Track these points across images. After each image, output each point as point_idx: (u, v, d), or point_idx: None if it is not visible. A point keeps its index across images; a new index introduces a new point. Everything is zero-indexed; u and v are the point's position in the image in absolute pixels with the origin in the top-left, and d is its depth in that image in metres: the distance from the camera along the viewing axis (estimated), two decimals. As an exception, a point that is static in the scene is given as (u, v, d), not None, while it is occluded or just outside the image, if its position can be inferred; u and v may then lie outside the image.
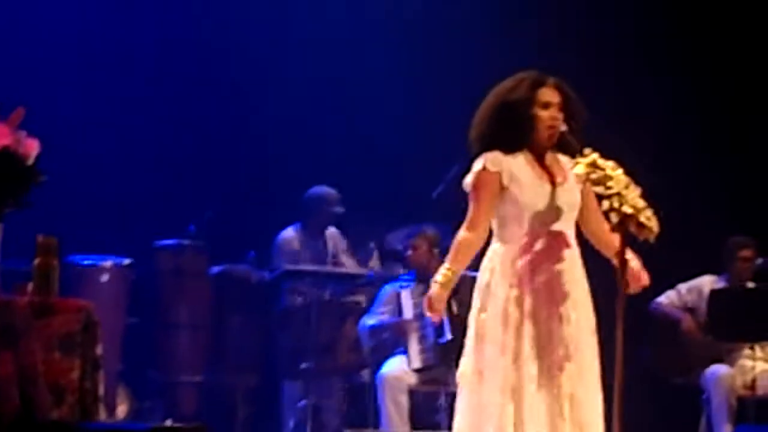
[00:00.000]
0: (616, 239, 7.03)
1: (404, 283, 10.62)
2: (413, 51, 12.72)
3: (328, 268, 11.88)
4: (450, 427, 7.54)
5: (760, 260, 10.57)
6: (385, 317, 10.57)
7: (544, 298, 7.01)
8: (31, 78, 11.91)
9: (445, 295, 6.94)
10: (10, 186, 7.11)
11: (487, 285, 7.03)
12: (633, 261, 7.06)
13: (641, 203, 6.99)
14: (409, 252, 10.61)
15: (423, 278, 10.16)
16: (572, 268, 7.09)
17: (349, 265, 12.10)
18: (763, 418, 10.07)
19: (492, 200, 6.98)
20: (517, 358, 6.93)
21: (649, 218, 6.94)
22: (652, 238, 6.95)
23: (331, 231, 12.15)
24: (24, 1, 12.80)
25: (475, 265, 7.50)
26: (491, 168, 6.96)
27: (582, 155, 7.05)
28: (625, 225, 6.94)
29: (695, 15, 13.13)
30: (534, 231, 6.99)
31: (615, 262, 7.04)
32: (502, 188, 6.98)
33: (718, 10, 13.16)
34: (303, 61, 12.99)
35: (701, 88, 12.82)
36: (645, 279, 7.09)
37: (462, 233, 7.06)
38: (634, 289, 7.05)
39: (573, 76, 7.50)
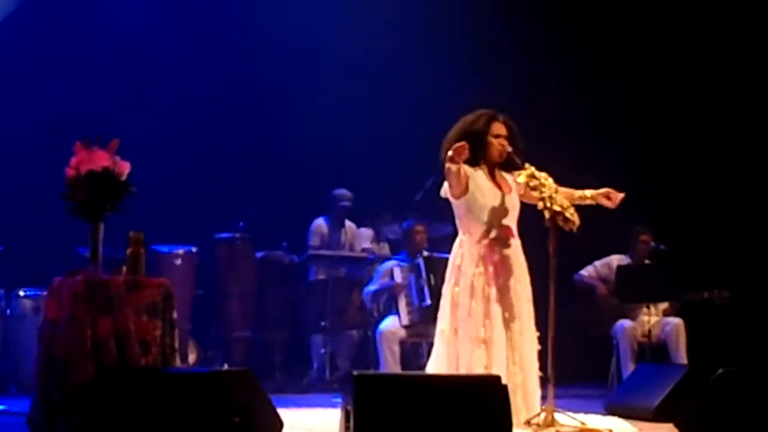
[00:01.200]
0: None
1: (396, 261, 10.67)
2: (405, 89, 12.42)
3: (341, 252, 11.90)
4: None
5: (653, 244, 10.66)
6: (382, 284, 10.61)
7: (498, 273, 7.21)
8: (120, 106, 11.86)
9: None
10: (109, 196, 7.23)
11: (459, 266, 7.29)
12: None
13: (566, 203, 7.18)
14: (413, 237, 10.58)
15: (411, 257, 10.34)
16: (516, 252, 7.34)
17: (368, 249, 12.10)
18: (657, 357, 10.08)
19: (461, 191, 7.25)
20: (485, 317, 7.11)
21: (572, 214, 7.16)
22: (575, 229, 7.13)
23: (349, 224, 12.13)
24: (111, 48, 12.49)
25: (447, 251, 7.68)
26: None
27: (523, 169, 7.25)
28: (555, 219, 7.12)
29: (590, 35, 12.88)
30: (490, 225, 7.21)
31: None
32: (467, 191, 7.15)
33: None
34: (326, 95, 12.57)
35: (617, 108, 12.62)
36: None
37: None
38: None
39: (516, 109, 7.68)
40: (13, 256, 9.96)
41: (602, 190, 7.45)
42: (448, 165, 7.07)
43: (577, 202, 7.34)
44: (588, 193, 7.44)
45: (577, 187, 7.47)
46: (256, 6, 12.83)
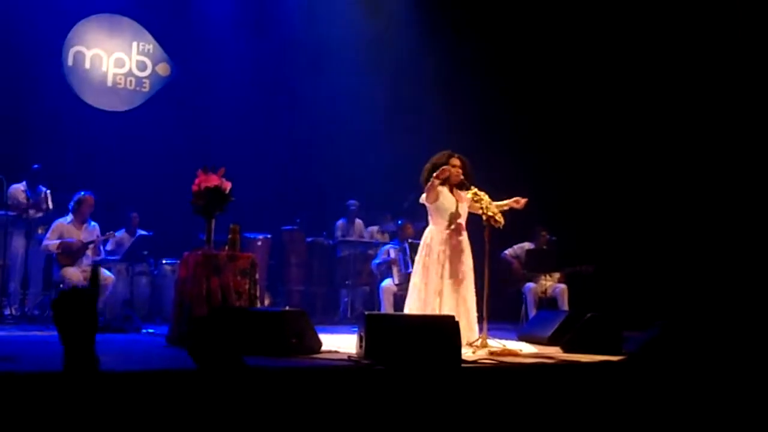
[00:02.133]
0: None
1: (392, 245, 10.70)
2: (401, 136, 12.22)
3: (356, 238, 11.92)
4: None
5: (548, 236, 10.62)
6: (383, 259, 10.65)
7: (453, 252, 7.23)
8: (223, 139, 11.78)
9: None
10: (218, 203, 7.29)
11: (429, 244, 7.29)
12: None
13: (496, 210, 7.19)
14: (403, 230, 10.55)
15: (401, 243, 10.34)
16: (465, 239, 7.34)
17: (375, 237, 11.99)
18: (550, 306, 10.01)
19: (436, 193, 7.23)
20: (441, 278, 7.14)
21: (500, 218, 7.16)
22: (500, 226, 7.15)
23: (357, 221, 12.07)
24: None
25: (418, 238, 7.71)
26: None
27: (470, 189, 7.29)
28: (489, 221, 7.14)
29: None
30: (450, 221, 7.24)
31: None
32: (437, 199, 7.18)
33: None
34: (353, 138, 12.57)
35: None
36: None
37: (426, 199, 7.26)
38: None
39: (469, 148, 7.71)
40: (159, 238, 10.01)
41: (514, 198, 7.44)
42: (433, 180, 7.16)
43: (502, 209, 7.32)
44: (506, 201, 7.46)
45: (500, 199, 7.48)
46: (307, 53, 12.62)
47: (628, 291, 11.00)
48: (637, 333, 7.46)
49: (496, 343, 7.02)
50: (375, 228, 12.19)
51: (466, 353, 6.37)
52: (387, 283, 10.08)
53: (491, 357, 6.41)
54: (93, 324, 2.08)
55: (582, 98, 12.12)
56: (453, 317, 6.25)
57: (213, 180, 7.21)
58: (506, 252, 10.61)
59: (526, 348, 7.24)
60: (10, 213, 9.45)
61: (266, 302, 10.60)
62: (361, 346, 5.95)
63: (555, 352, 7.06)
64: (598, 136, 12.01)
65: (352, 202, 12.04)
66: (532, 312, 10.01)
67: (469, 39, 12.76)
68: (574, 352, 6.95)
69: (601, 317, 7.31)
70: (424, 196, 7.36)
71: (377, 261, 10.74)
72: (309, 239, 11.78)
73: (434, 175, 7.18)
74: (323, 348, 6.46)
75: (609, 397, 5.75)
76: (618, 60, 11.89)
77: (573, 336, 7.21)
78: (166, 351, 6.71)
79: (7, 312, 9.17)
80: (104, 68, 12.24)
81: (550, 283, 10.33)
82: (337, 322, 10.97)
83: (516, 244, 10.67)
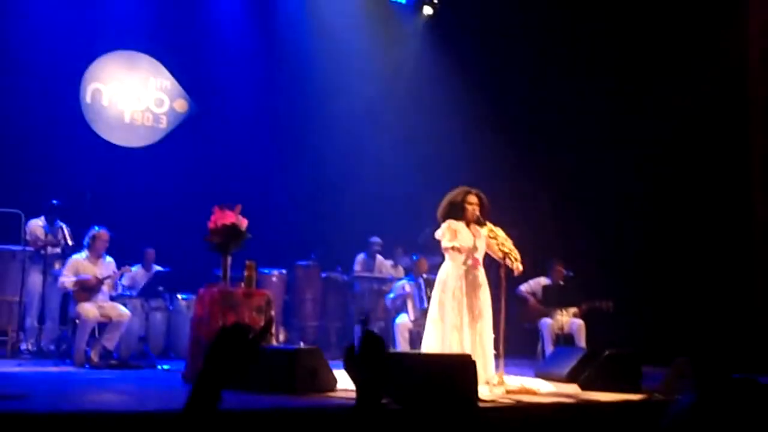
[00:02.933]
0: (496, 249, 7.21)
1: (407, 280, 10.59)
2: (417, 170, 12.29)
3: (373, 274, 11.83)
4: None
5: (565, 272, 10.49)
6: (398, 294, 10.56)
7: (470, 288, 7.15)
8: (238, 176, 11.63)
9: None
10: (234, 240, 7.26)
11: (445, 281, 7.18)
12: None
13: (511, 247, 7.14)
14: (418, 266, 10.43)
15: (416, 278, 10.26)
16: (481, 274, 7.25)
17: (386, 272, 11.93)
18: (567, 343, 9.88)
19: (453, 235, 7.11)
20: (458, 314, 7.07)
21: (516, 255, 7.10)
22: (518, 271, 7.11)
23: (379, 258, 11.98)
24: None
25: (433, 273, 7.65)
26: (452, 225, 7.13)
27: (486, 225, 7.24)
28: (505, 257, 7.08)
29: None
30: (466, 257, 7.15)
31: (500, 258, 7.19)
32: (454, 233, 7.14)
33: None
34: (368, 175, 12.59)
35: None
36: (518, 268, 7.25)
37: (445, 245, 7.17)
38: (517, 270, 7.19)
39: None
40: (175, 274, 9.97)
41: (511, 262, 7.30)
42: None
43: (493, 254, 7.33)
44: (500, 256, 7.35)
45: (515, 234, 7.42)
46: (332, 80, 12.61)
47: (645, 325, 10.84)
48: (656, 368, 7.38)
49: (513, 380, 6.93)
50: (389, 262, 12.13)
51: (483, 391, 6.28)
52: (402, 319, 10.01)
53: (509, 396, 6.32)
54: (242, 365, 2.04)
55: (600, 131, 12.04)
56: (469, 356, 6.18)
57: (229, 217, 7.20)
58: (521, 287, 10.48)
59: (543, 385, 7.13)
60: (28, 248, 9.47)
61: (281, 337, 10.53)
62: (377, 385, 5.86)
63: (573, 389, 6.96)
64: (614, 170, 11.91)
65: (375, 239, 11.96)
66: (549, 348, 9.87)
67: (486, 69, 12.77)
68: (592, 389, 6.86)
69: (620, 354, 7.22)
70: (438, 231, 7.31)
71: (392, 296, 10.65)
72: (324, 274, 11.72)
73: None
74: (338, 386, 6.39)
75: (629, 437, 5.66)
76: (635, 93, 11.81)
77: (591, 373, 7.12)
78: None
79: (24, 347, 9.18)
80: (122, 105, 12.30)
81: (567, 319, 10.19)
82: (353, 357, 10.83)
83: (531, 279, 10.52)
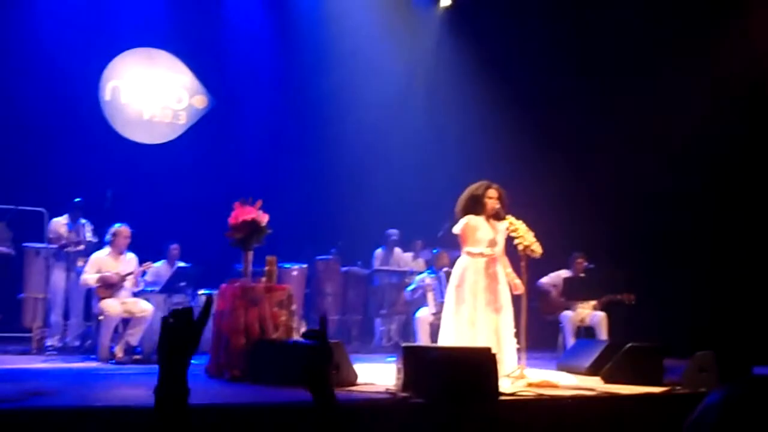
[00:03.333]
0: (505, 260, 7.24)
1: (427, 273, 10.59)
2: (437, 165, 12.34)
3: (393, 267, 11.88)
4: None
5: (586, 264, 10.51)
6: (418, 286, 10.56)
7: (490, 282, 7.17)
8: (260, 172, 11.86)
9: None
10: (255, 235, 7.30)
11: (461, 275, 7.22)
12: (516, 281, 7.26)
13: (533, 239, 7.15)
14: (438, 259, 10.42)
15: (437, 271, 10.24)
16: (500, 269, 7.26)
17: (406, 265, 11.94)
18: (588, 335, 9.88)
19: (472, 234, 7.10)
20: (474, 309, 7.08)
21: (537, 247, 7.11)
22: (537, 256, 7.11)
23: (397, 250, 12.00)
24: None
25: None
26: (470, 222, 7.14)
27: (506, 219, 7.25)
28: (525, 250, 7.09)
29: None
30: (484, 251, 7.16)
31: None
32: (473, 230, 7.14)
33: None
34: (389, 168, 12.64)
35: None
36: (518, 288, 7.25)
37: (464, 249, 7.24)
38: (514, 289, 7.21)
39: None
40: (197, 269, 10.00)
41: (514, 284, 7.29)
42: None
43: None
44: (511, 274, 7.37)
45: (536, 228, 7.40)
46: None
47: (667, 318, 10.79)
48: (678, 361, 7.36)
49: (534, 374, 6.93)
50: (409, 255, 12.14)
51: (504, 385, 6.29)
52: (422, 312, 10.01)
53: (530, 389, 6.32)
54: (194, 351, 2.11)
55: (621, 125, 11.97)
56: (490, 349, 6.17)
57: (250, 213, 7.24)
58: (542, 280, 10.47)
59: (564, 378, 7.14)
60: (51, 246, 9.57)
61: (302, 331, 10.54)
62: (398, 379, 5.90)
63: (594, 382, 6.96)
64: (635, 161, 11.84)
65: (392, 231, 11.98)
66: (570, 341, 9.87)
67: (508, 67, 12.71)
68: (614, 382, 6.85)
69: (642, 347, 7.21)
70: (457, 226, 7.33)
71: (412, 288, 10.67)
72: (344, 268, 11.76)
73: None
74: (360, 380, 6.41)
75: (650, 430, 5.65)
76: (656, 87, 11.70)
77: (613, 366, 7.11)
78: (215, 384, 6.70)
79: (49, 343, 9.26)
80: (141, 102, 12.39)
81: (588, 311, 10.18)
82: (373, 350, 10.90)
83: (552, 272, 10.53)
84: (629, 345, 7.20)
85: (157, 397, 2.04)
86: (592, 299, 10.28)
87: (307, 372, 2.29)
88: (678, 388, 6.60)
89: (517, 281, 7.25)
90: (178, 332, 2.10)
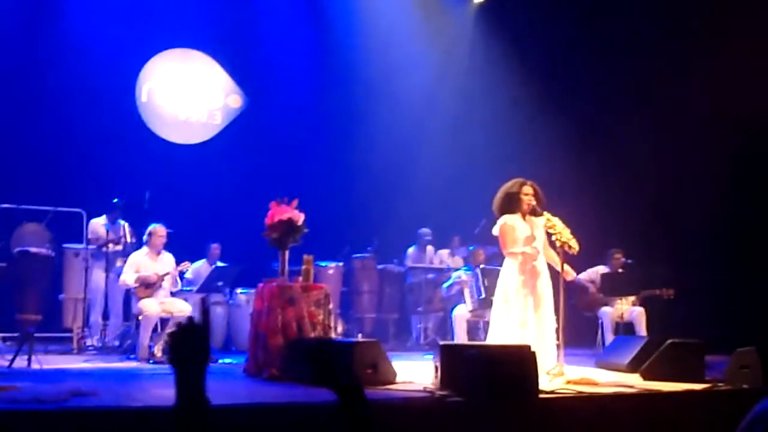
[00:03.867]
0: (553, 254, 7.19)
1: (464, 270, 10.57)
2: (473, 163, 12.26)
3: (427, 265, 11.87)
4: (485, 339, 7.67)
5: (623, 259, 10.41)
6: (454, 282, 10.54)
7: (530, 277, 7.16)
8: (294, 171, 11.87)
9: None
10: (291, 235, 7.33)
11: (507, 277, 7.22)
12: (566, 266, 7.17)
13: (570, 236, 7.10)
14: (475, 256, 10.43)
15: (473, 268, 10.20)
16: (541, 265, 7.28)
17: (440, 263, 11.94)
18: (627, 332, 9.81)
19: (510, 235, 7.11)
20: (523, 309, 7.06)
21: (574, 244, 7.06)
22: (575, 252, 7.06)
23: (429, 248, 12.00)
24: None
25: (494, 264, 7.64)
26: (508, 222, 7.13)
27: (542, 215, 7.21)
28: (563, 246, 7.05)
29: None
30: (525, 250, 7.15)
31: (558, 264, 7.18)
32: (511, 230, 7.12)
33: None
34: (424, 168, 12.63)
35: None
36: (569, 274, 7.19)
37: (505, 251, 7.25)
38: (565, 276, 7.13)
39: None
40: (234, 269, 10.06)
41: (564, 270, 7.24)
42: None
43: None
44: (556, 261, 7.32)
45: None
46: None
47: (708, 313, 10.66)
48: (720, 358, 7.27)
49: (573, 371, 6.90)
50: (445, 252, 12.12)
51: (544, 382, 6.25)
52: (459, 309, 9.98)
53: (569, 386, 6.28)
54: (207, 358, 2.09)
55: (660, 117, 11.85)
56: (529, 347, 6.16)
57: (286, 212, 7.26)
58: (580, 276, 10.36)
59: (604, 375, 7.08)
60: (91, 247, 9.69)
61: (339, 329, 10.58)
62: (436, 377, 5.89)
63: (634, 379, 6.90)
64: (674, 156, 11.72)
65: (424, 231, 11.98)
66: (609, 337, 9.81)
67: (539, 56, 12.65)
68: (654, 379, 6.79)
69: (682, 343, 7.14)
70: (496, 231, 7.34)
71: (448, 285, 10.65)
72: (380, 266, 11.78)
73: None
74: (398, 378, 6.41)
75: (692, 428, 5.58)
76: (695, 77, 11.54)
77: (653, 363, 7.04)
78: (253, 384, 6.75)
79: (89, 343, 9.39)
80: (176, 102, 12.49)
81: (627, 307, 10.09)
82: (410, 348, 10.91)
83: (590, 267, 10.45)
84: (669, 341, 7.13)
85: (176, 414, 2.01)
86: (631, 294, 10.20)
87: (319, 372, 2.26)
88: (720, 385, 6.53)
89: (568, 267, 7.25)
90: (185, 344, 2.08)
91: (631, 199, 11.95)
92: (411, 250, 12.01)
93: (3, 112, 10.65)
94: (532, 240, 7.27)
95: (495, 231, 7.37)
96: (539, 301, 7.20)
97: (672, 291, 10.05)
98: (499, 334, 7.18)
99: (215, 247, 10.53)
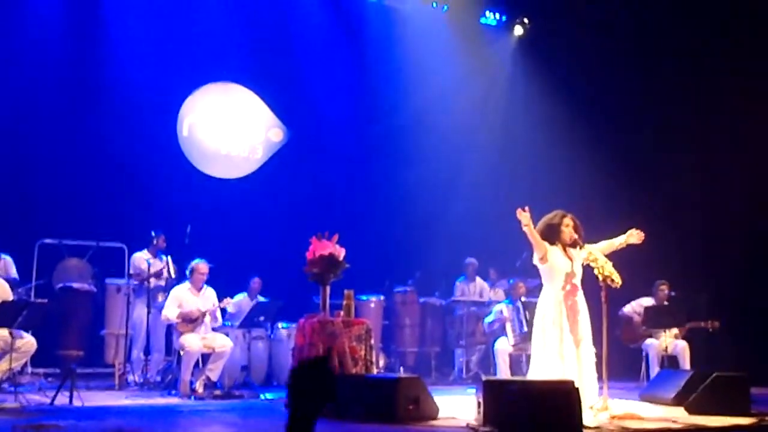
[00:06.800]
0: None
1: (505, 303, 10.52)
2: (511, 199, 12.17)
3: (472, 297, 11.86)
4: (527, 372, 7.67)
5: (668, 291, 10.39)
6: (496, 317, 10.53)
7: (571, 313, 7.13)
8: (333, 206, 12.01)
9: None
10: (332, 270, 7.43)
11: (545, 307, 7.17)
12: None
13: (612, 270, 7.08)
14: (516, 289, 10.42)
15: (514, 301, 10.23)
16: (581, 299, 7.20)
17: (486, 296, 11.94)
18: (671, 365, 9.74)
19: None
20: (561, 341, 7.04)
21: (616, 278, 7.05)
22: (617, 286, 7.05)
23: (479, 279, 12.03)
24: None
25: (536, 296, 7.66)
26: (548, 254, 7.13)
27: (583, 247, 7.22)
28: (605, 281, 7.05)
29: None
30: (564, 282, 7.13)
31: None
32: (548, 260, 7.12)
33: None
34: (463, 205, 12.71)
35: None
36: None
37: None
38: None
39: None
40: (276, 303, 10.14)
41: (628, 233, 7.29)
42: (524, 230, 7.01)
43: (617, 248, 7.28)
44: (622, 238, 7.30)
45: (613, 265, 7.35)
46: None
47: (753, 346, 10.59)
48: (765, 390, 7.24)
49: (617, 406, 6.90)
50: (486, 284, 12.16)
51: (588, 418, 6.27)
52: (501, 344, 9.98)
53: (613, 421, 6.30)
54: (327, 396, 2.21)
55: (701, 151, 11.84)
56: (572, 382, 6.17)
57: (327, 247, 7.38)
58: (624, 309, 10.40)
59: (648, 410, 7.08)
60: (133, 281, 9.83)
61: (381, 363, 10.61)
62: (479, 413, 5.94)
63: (679, 413, 6.89)
64: (718, 188, 11.70)
65: (470, 260, 12.02)
66: (654, 370, 9.78)
67: (580, 88, 12.69)
68: (699, 413, 6.79)
69: (728, 376, 7.12)
70: (535, 256, 7.35)
71: (490, 320, 10.64)
72: (422, 299, 11.82)
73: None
74: (440, 414, 6.46)
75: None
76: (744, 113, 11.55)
77: (698, 397, 7.04)
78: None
79: (130, 379, 9.50)
80: (218, 137, 12.65)
81: (671, 340, 10.04)
82: (452, 382, 10.92)
83: (634, 300, 10.44)
84: (715, 374, 7.12)
85: None
86: (676, 327, 10.16)
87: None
88: (766, 419, 6.50)
89: (634, 231, 7.27)
90: (306, 382, 2.19)
91: (674, 230, 11.90)
92: (459, 282, 12.05)
93: (46, 146, 10.83)
94: (572, 276, 7.27)
95: (534, 259, 7.39)
96: (581, 337, 7.18)
97: (717, 323, 10.01)
98: (539, 366, 7.14)
99: (256, 282, 10.64)
